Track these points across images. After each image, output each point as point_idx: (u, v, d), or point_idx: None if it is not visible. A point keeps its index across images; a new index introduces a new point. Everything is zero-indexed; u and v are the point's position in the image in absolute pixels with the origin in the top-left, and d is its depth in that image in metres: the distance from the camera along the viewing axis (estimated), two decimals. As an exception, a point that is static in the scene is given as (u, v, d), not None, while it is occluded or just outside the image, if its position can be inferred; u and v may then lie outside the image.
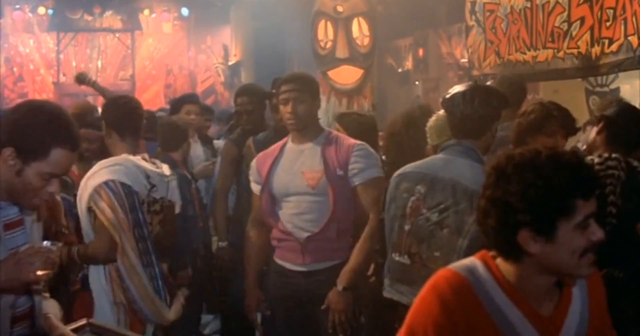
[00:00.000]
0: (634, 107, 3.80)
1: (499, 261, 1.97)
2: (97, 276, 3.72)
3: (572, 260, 1.87)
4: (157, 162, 4.04)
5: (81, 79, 7.01)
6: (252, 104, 5.53)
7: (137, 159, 3.86)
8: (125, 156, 3.85)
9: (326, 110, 7.85)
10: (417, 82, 13.46)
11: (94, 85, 6.98)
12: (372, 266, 4.67)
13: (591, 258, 1.90)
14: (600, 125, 3.53)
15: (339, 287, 3.73)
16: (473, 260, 2.00)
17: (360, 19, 8.21)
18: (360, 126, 4.53)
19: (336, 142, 3.96)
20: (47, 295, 2.88)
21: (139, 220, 3.75)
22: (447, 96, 3.51)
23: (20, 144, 2.46)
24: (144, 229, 3.78)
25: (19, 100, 15.33)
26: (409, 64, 13.64)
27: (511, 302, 1.93)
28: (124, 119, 3.92)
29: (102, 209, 3.62)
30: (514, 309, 1.93)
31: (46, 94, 18.97)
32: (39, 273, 2.43)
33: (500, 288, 1.94)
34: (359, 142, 3.97)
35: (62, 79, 19.34)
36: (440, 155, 3.51)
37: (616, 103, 3.73)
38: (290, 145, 4.01)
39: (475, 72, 7.83)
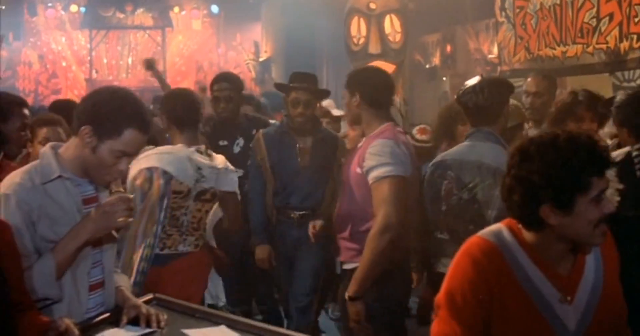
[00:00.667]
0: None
1: (522, 226, 2.21)
2: None
3: (588, 230, 2.11)
4: (213, 154, 4.22)
5: (149, 65, 7.21)
6: (231, 91, 5.40)
7: (191, 151, 4.07)
8: (180, 146, 4.08)
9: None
10: (444, 78, 13.56)
11: (156, 73, 7.15)
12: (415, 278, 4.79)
13: (604, 228, 2.13)
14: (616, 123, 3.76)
15: (346, 296, 3.70)
16: (500, 226, 2.26)
17: (392, 15, 8.37)
18: None
19: (372, 139, 3.85)
20: (118, 270, 3.14)
21: (162, 207, 3.97)
22: (460, 91, 3.78)
23: (97, 123, 2.72)
24: (162, 214, 3.98)
25: (53, 97, 15.70)
26: (436, 60, 13.75)
27: (533, 263, 2.18)
28: (182, 113, 4.12)
29: (135, 190, 3.89)
30: (535, 269, 2.17)
31: (78, 91, 19.24)
32: (122, 219, 2.74)
33: (524, 250, 2.18)
34: (383, 139, 3.80)
35: (94, 75, 19.63)
36: (465, 143, 3.78)
37: (621, 95, 3.83)
38: None
39: (505, 67, 7.98)
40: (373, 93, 3.93)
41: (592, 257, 2.25)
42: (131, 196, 2.80)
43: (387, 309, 3.78)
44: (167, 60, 19.74)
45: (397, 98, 8.58)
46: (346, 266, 3.92)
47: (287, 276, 4.96)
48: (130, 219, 2.82)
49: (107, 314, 2.88)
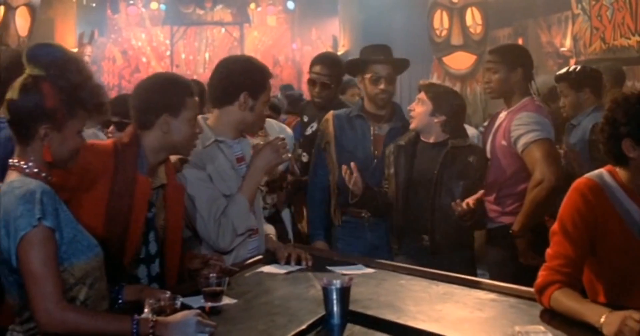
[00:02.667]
0: None
1: (618, 170, 2.75)
2: None
3: None
4: None
5: None
6: (329, 77, 4.97)
7: None
8: None
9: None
10: (516, 70, 13.76)
11: None
12: None
13: None
14: None
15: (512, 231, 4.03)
16: (601, 170, 2.80)
17: (474, 8, 8.76)
18: (446, 98, 4.21)
19: (515, 113, 4.15)
20: (263, 219, 3.70)
21: None
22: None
23: (252, 86, 3.37)
24: None
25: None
26: (507, 53, 13.95)
27: (628, 197, 2.72)
28: None
29: None
30: (629, 201, 2.72)
31: (158, 85, 19.81)
32: (286, 155, 3.43)
33: (620, 187, 2.73)
34: (527, 111, 4.10)
35: (174, 70, 20.18)
36: None
37: None
38: None
39: (581, 58, 8.35)
40: (529, 67, 4.33)
41: None
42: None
43: None
44: (245, 56, 20.14)
45: (478, 88, 9.02)
46: (489, 226, 4.27)
47: None
48: (290, 155, 3.51)
49: (260, 256, 3.47)
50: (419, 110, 4.17)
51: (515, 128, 4.10)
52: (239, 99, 3.36)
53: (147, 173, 2.89)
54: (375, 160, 4.36)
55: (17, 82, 2.41)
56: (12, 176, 2.42)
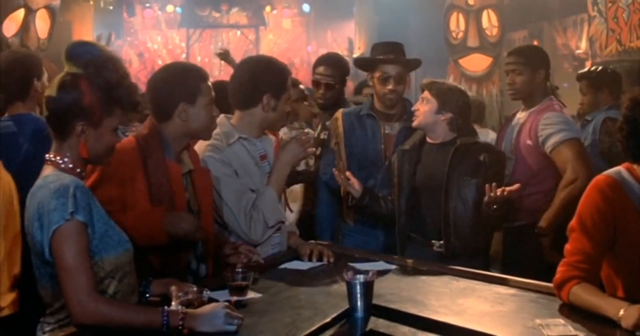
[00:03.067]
0: None
1: (636, 167, 2.77)
2: None
3: None
4: None
5: (224, 56, 6.93)
6: (334, 78, 4.92)
7: None
8: None
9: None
10: (531, 73, 13.77)
11: (231, 62, 6.81)
12: None
13: None
14: None
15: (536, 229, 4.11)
16: (619, 168, 2.83)
17: (490, 10, 8.79)
18: (451, 95, 3.95)
19: (539, 113, 4.25)
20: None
21: None
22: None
23: (274, 87, 3.44)
24: None
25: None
26: (523, 56, 13.96)
27: None
28: None
29: None
30: None
31: (174, 87, 19.89)
32: (310, 149, 3.55)
33: (639, 184, 2.73)
34: (552, 111, 4.20)
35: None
36: None
37: None
38: None
39: (597, 60, 8.37)
40: (549, 68, 4.42)
41: None
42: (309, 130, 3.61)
43: None
44: (260, 59, 20.19)
45: (494, 90, 9.06)
46: (508, 225, 4.22)
47: None
48: (314, 149, 3.58)
49: (282, 253, 3.55)
50: (423, 109, 3.95)
51: (543, 128, 4.18)
52: (262, 101, 3.43)
53: (174, 160, 2.98)
54: (386, 161, 4.24)
55: (56, 79, 2.50)
56: (47, 171, 2.50)
